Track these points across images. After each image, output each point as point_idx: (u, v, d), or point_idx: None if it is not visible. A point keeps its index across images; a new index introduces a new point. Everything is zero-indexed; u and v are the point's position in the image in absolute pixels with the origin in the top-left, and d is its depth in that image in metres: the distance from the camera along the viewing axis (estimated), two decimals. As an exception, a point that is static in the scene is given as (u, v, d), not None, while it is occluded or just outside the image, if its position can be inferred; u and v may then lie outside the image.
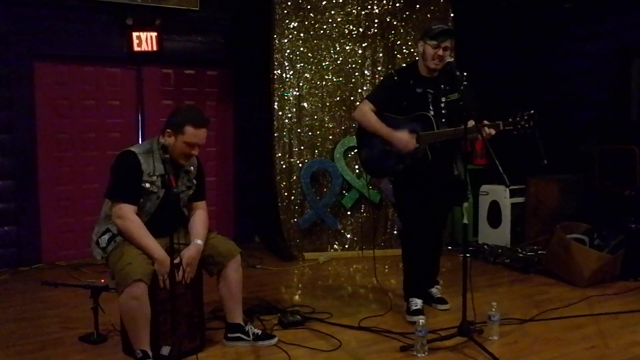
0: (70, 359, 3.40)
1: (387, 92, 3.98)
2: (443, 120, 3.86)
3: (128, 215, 3.18)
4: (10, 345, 3.60)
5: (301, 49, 6.08)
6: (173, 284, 3.01)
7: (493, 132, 3.66)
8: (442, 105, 3.90)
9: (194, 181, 3.49)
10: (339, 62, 6.20)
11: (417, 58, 4.07)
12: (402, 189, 4.10)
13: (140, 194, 3.24)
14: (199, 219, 3.49)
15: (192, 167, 3.47)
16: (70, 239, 6.04)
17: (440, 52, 3.78)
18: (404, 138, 3.80)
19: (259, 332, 3.58)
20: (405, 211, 4.16)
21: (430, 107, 3.88)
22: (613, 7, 6.01)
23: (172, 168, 3.15)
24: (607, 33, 6.14)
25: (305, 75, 6.12)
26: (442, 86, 3.92)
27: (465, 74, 3.80)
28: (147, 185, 3.24)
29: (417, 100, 3.89)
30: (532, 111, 3.60)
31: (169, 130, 3.26)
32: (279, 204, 6.07)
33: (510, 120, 3.65)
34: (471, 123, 3.61)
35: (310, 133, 6.16)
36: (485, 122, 3.69)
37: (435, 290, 4.32)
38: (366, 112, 3.94)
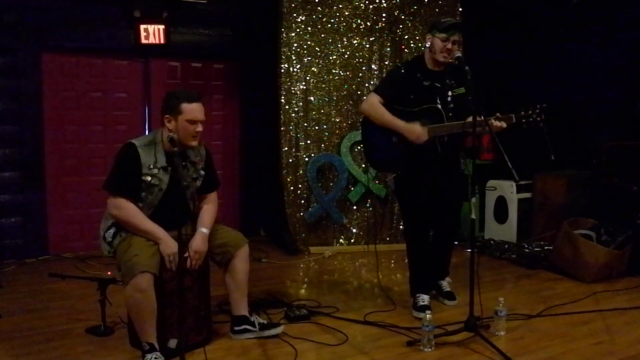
0: (76, 351, 3.40)
1: (394, 84, 3.94)
2: (450, 114, 3.84)
3: (123, 205, 3.17)
4: (16, 337, 3.61)
5: (308, 42, 6.07)
6: (180, 277, 3.01)
7: (504, 125, 3.64)
8: (449, 99, 3.88)
9: (202, 172, 3.47)
10: (346, 56, 6.18)
11: (422, 51, 4.04)
12: (406, 184, 4.06)
13: (141, 187, 3.22)
14: (207, 209, 3.48)
15: (198, 158, 3.46)
16: (77, 231, 6.07)
17: (449, 45, 3.77)
18: (416, 130, 3.78)
19: (265, 321, 3.59)
20: (408, 207, 4.14)
21: (438, 100, 3.85)
22: (622, 1, 5.96)
23: (180, 159, 3.13)
24: (617, 27, 6.09)
25: (312, 69, 6.10)
26: (448, 80, 3.90)
27: (467, 68, 3.78)
28: (148, 178, 3.21)
29: (424, 93, 3.87)
30: (544, 104, 3.60)
31: (167, 116, 3.24)
32: (285, 198, 6.07)
33: (522, 113, 3.65)
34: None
35: (316, 127, 6.15)
36: (498, 114, 3.67)
37: (445, 283, 4.29)
38: (375, 104, 3.90)
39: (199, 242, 3.30)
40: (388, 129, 3.90)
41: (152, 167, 3.22)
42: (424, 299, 4.00)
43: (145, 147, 3.24)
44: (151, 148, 3.26)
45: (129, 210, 3.18)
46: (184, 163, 3.35)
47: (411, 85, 3.88)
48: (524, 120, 3.65)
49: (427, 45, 3.90)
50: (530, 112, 3.62)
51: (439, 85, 3.88)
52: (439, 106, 3.82)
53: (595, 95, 6.30)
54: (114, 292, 3.72)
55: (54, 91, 5.90)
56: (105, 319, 3.64)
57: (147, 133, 6.22)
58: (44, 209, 5.88)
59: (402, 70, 3.96)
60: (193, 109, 3.23)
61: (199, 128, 3.28)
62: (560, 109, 6.02)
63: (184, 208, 3.31)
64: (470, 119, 3.49)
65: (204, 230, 3.35)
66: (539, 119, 3.60)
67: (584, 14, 6.31)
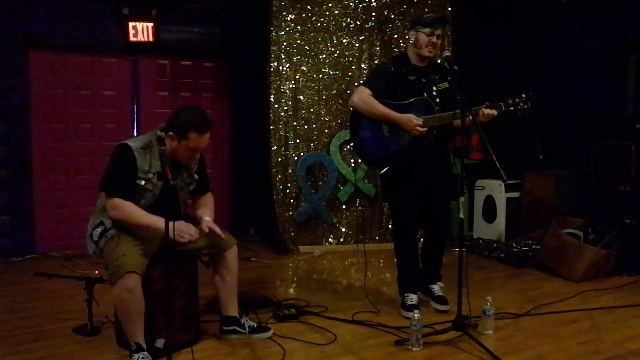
0: (63, 350, 3.38)
1: (382, 78, 3.93)
2: (437, 108, 3.86)
3: (120, 204, 3.12)
4: (3, 336, 3.58)
5: (298, 41, 6.06)
6: (170, 273, 2.99)
7: (495, 112, 3.68)
8: (434, 93, 3.90)
9: (195, 176, 3.45)
10: (335, 55, 6.17)
11: (405, 47, 4.05)
12: (394, 181, 4.03)
13: (135, 190, 3.18)
14: (205, 203, 3.51)
15: (192, 162, 3.43)
16: (64, 230, 6.03)
17: (434, 39, 3.79)
18: (412, 119, 3.78)
19: (255, 324, 3.57)
20: (396, 205, 4.12)
21: (425, 94, 3.87)
22: (610, 2, 6.00)
23: (172, 163, 3.11)
24: (604, 28, 6.13)
25: (302, 68, 6.09)
26: (432, 76, 3.92)
27: (455, 68, 3.79)
28: (143, 182, 3.17)
29: (411, 87, 3.88)
30: (530, 92, 3.67)
31: (171, 133, 3.17)
32: (275, 197, 6.05)
33: (509, 101, 3.69)
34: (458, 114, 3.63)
35: (306, 126, 6.14)
36: (487, 103, 3.70)
37: (437, 288, 4.19)
38: (367, 97, 3.86)
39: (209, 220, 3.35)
40: (379, 123, 3.89)
41: (147, 171, 3.18)
42: (412, 298, 3.99)
43: (140, 150, 3.18)
44: (147, 152, 3.20)
45: (126, 208, 3.13)
46: (179, 169, 3.32)
47: (398, 79, 3.89)
48: (512, 108, 3.70)
49: (410, 42, 3.91)
50: (517, 100, 3.67)
51: (424, 80, 3.91)
52: (428, 98, 3.84)
53: (583, 95, 6.34)
54: (101, 291, 3.69)
55: (41, 89, 5.85)
56: (92, 319, 3.62)
57: (135, 131, 6.21)
58: (31, 207, 5.84)
59: (389, 65, 3.97)
60: (200, 140, 3.19)
61: (197, 154, 3.32)
62: (547, 109, 6.07)
63: (175, 210, 3.28)
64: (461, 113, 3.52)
65: (207, 217, 3.37)
66: (526, 107, 3.65)
67: (573, 12, 6.35)
